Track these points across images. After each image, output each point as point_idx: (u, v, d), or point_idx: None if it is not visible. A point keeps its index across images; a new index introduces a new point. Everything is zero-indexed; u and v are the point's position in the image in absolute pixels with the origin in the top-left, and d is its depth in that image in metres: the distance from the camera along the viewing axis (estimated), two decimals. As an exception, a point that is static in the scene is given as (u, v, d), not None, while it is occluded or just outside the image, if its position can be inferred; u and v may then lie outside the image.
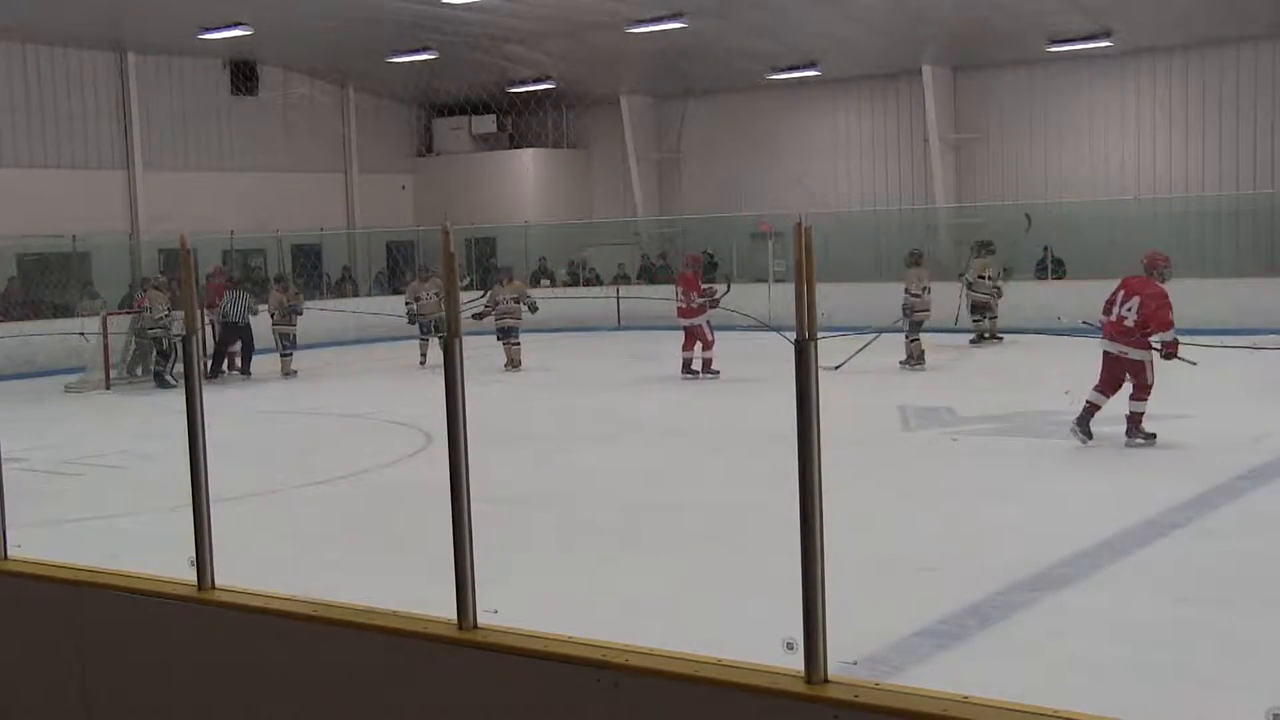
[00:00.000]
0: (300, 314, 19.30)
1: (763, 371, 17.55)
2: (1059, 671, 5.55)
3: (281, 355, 18.95)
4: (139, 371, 18.82)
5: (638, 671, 3.12)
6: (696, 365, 16.96)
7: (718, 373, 16.79)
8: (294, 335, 19.23)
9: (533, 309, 18.74)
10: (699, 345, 16.99)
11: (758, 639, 3.20)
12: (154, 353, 18.27)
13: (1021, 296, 21.47)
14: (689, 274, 17.67)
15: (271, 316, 19.14)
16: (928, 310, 17.42)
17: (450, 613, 3.47)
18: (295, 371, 18.91)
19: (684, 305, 17.13)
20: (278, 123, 27.45)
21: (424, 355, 19.40)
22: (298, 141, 27.74)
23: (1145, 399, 10.89)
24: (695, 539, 8.15)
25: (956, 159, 26.39)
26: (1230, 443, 10.96)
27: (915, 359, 17.18)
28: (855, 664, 5.15)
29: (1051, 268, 23.14)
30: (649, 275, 27.57)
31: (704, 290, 17.20)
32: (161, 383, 17.82)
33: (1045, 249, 23.24)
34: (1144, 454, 10.69)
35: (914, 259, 18.02)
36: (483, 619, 3.47)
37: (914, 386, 15.43)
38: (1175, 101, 24.13)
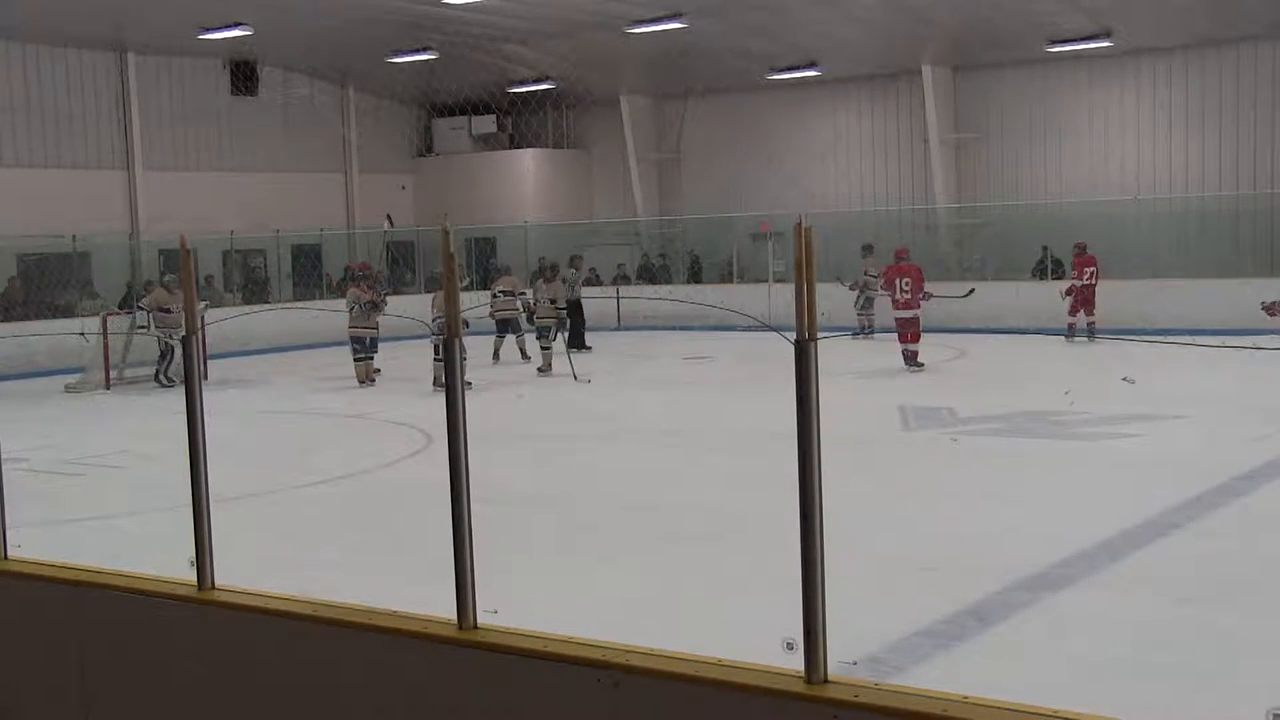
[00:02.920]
0: (382, 312, 17.07)
1: (763, 371, 17.50)
2: (1059, 671, 5.55)
3: (358, 359, 17.15)
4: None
5: (638, 671, 3.11)
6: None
7: (922, 365, 16.46)
8: (369, 338, 17.21)
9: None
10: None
11: (758, 639, 3.20)
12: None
13: (1021, 296, 21.50)
14: (918, 266, 16.83)
15: (350, 313, 17.02)
16: (877, 291, 20.28)
17: (450, 613, 3.47)
18: (374, 378, 17.25)
19: (907, 298, 16.33)
20: (278, 123, 27.43)
21: (439, 378, 15.52)
22: (298, 141, 27.73)
23: None
24: (695, 539, 8.14)
25: (956, 159, 26.38)
26: (1230, 442, 10.95)
27: (865, 331, 20.49)
28: (855, 664, 5.14)
29: (1051, 268, 23.13)
30: (649, 275, 27.57)
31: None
32: (160, 382, 17.79)
33: (1045, 249, 23.23)
34: (1144, 454, 10.68)
35: (867, 249, 21.67)
36: (483, 619, 3.47)
37: (914, 386, 15.42)
38: (1175, 101, 24.12)
